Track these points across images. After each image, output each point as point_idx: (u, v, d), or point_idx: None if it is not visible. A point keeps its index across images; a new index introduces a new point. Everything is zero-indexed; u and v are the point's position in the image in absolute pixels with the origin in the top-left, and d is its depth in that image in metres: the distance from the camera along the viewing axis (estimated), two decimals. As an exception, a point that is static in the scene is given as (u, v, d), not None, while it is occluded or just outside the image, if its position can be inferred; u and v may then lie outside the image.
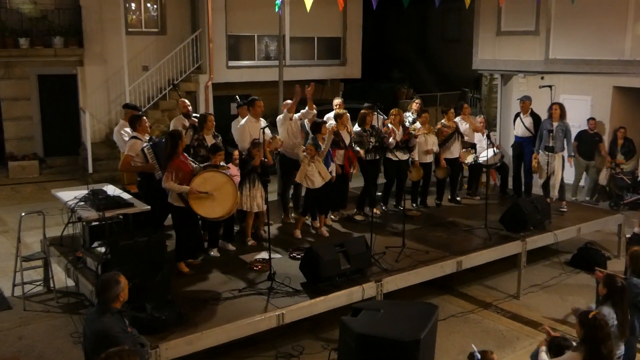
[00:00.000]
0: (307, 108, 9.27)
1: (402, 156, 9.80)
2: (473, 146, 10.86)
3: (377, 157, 9.71)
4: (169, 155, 7.31)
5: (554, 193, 10.38)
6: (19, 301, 8.04)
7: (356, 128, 9.73)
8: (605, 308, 5.28)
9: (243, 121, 8.98)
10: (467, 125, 10.85)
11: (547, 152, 10.27)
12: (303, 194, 9.35)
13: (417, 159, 10.11)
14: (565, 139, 10.32)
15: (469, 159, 10.66)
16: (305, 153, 8.68)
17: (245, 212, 8.42)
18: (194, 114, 9.48)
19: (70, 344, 7.03)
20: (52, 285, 8.32)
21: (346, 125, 9.55)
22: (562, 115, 10.31)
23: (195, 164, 7.62)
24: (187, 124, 9.05)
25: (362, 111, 9.68)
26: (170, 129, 9.00)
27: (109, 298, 4.59)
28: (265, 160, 8.27)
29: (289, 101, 9.44)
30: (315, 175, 8.61)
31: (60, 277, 8.26)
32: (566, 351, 4.91)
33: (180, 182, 7.19)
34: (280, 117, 9.39)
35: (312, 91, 9.23)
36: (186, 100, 9.60)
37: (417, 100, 11.34)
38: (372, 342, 4.57)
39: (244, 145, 8.63)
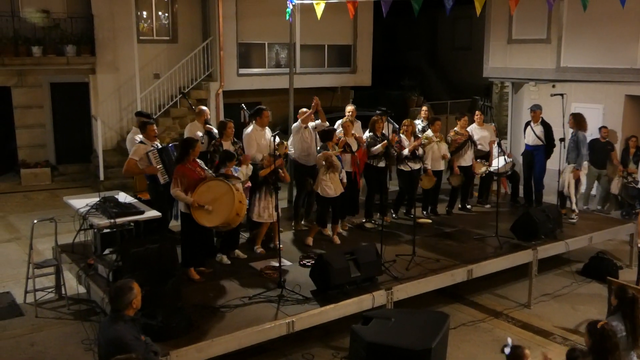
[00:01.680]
0: (319, 120, 9.39)
1: (414, 165, 9.80)
2: (486, 155, 10.83)
3: (385, 164, 9.70)
4: (176, 160, 7.39)
5: (569, 203, 10.35)
6: (31, 308, 8.08)
7: (368, 133, 9.74)
8: (614, 319, 5.25)
9: (249, 129, 9.05)
10: (484, 134, 10.82)
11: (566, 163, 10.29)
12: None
13: (429, 167, 10.10)
14: (576, 150, 10.27)
15: (482, 170, 10.62)
16: (323, 162, 8.69)
17: (257, 222, 8.45)
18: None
19: (82, 351, 7.05)
20: (63, 292, 8.36)
21: (351, 132, 9.53)
22: (578, 125, 10.28)
23: (209, 171, 7.66)
24: (201, 132, 9.08)
25: (374, 118, 9.70)
26: (185, 134, 9.09)
27: (121, 305, 4.61)
28: (281, 174, 8.27)
29: (304, 109, 9.49)
30: (330, 185, 8.64)
31: (72, 284, 8.29)
32: None
33: (185, 189, 7.26)
34: (295, 125, 9.45)
35: (317, 104, 9.33)
36: (207, 109, 9.66)
37: (424, 108, 11.35)
38: (383, 351, 4.56)
39: (251, 154, 8.69)
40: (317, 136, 9.56)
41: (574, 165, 10.35)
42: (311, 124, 9.43)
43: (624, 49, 12.86)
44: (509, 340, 4.94)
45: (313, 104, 9.30)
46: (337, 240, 8.93)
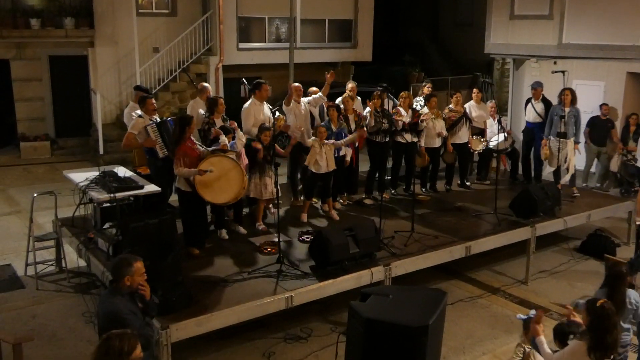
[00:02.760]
0: (319, 94, 9.33)
1: (411, 139, 9.76)
2: (482, 132, 10.81)
3: (386, 139, 9.70)
4: (177, 140, 7.36)
5: (566, 179, 10.35)
6: (32, 281, 8.15)
7: (369, 109, 9.73)
8: (599, 294, 5.30)
9: (247, 104, 9.02)
10: (480, 112, 10.78)
11: (558, 139, 10.22)
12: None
13: (422, 144, 10.08)
14: (575, 125, 10.27)
15: (480, 147, 10.62)
16: (314, 137, 8.69)
17: (256, 198, 8.46)
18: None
19: (82, 323, 7.13)
20: (64, 265, 8.43)
21: (352, 108, 9.50)
22: (574, 100, 10.23)
23: (203, 147, 7.66)
24: (203, 110, 9.03)
25: (376, 93, 9.68)
26: (188, 111, 9.06)
27: (116, 276, 4.63)
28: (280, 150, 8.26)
29: (296, 84, 9.44)
30: (323, 160, 8.62)
31: (72, 258, 8.35)
32: (571, 336, 4.93)
33: (187, 167, 7.25)
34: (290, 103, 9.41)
35: (333, 78, 9.45)
36: (209, 86, 9.61)
37: (428, 85, 11.30)
38: (381, 327, 4.58)
39: (247, 128, 8.67)
40: (312, 112, 9.56)
41: (574, 140, 10.32)
42: (305, 99, 9.39)
43: (626, 26, 12.77)
44: (532, 312, 5.09)
45: (329, 76, 9.29)
46: (335, 215, 8.95)
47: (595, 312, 4.62)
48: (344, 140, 8.94)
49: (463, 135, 10.54)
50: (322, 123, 9.01)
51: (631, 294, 5.44)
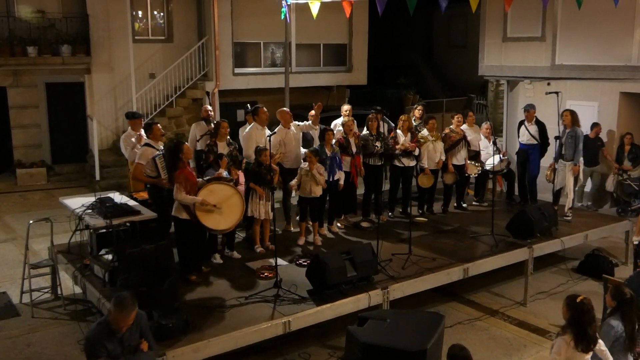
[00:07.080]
0: (310, 122, 9.41)
1: (408, 162, 9.81)
2: (476, 155, 10.82)
3: (381, 163, 9.73)
4: (173, 166, 7.35)
5: (569, 203, 10.33)
6: (27, 308, 8.08)
7: (364, 132, 9.78)
8: (614, 319, 5.29)
9: (248, 128, 9.05)
10: (475, 135, 10.83)
11: (559, 160, 10.26)
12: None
13: (426, 166, 10.11)
14: (574, 147, 10.26)
15: (475, 172, 10.63)
16: (304, 164, 8.65)
17: (252, 219, 8.44)
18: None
19: (78, 351, 7.03)
20: (59, 292, 8.35)
21: (353, 131, 9.57)
22: (574, 121, 10.26)
23: (200, 177, 7.65)
24: (205, 130, 9.06)
25: (369, 116, 9.74)
26: (190, 133, 9.10)
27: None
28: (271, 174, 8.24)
29: (285, 109, 9.54)
30: (312, 184, 8.61)
31: (68, 285, 8.29)
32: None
33: (187, 193, 7.22)
34: (278, 128, 9.43)
35: (320, 110, 9.61)
36: (209, 107, 9.66)
37: (418, 107, 11.37)
38: (379, 352, 4.58)
39: (249, 153, 8.69)
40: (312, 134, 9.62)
41: (572, 162, 10.32)
42: (294, 124, 9.42)
43: (618, 46, 12.88)
44: None
45: (316, 108, 9.37)
46: (318, 241, 8.87)
47: (576, 307, 4.90)
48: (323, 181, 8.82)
49: (460, 157, 10.57)
50: (315, 148, 8.98)
51: None
